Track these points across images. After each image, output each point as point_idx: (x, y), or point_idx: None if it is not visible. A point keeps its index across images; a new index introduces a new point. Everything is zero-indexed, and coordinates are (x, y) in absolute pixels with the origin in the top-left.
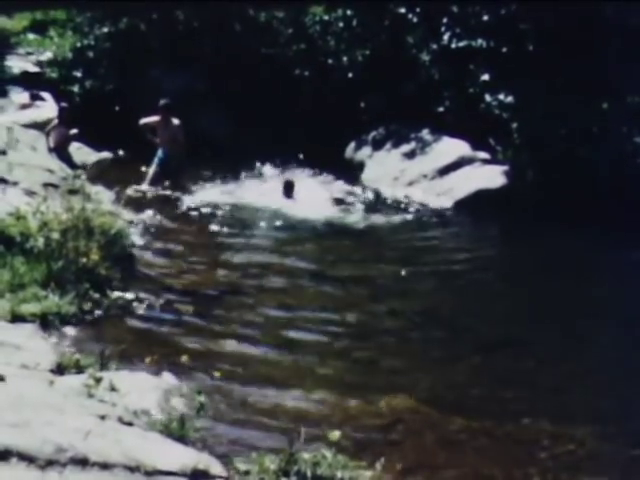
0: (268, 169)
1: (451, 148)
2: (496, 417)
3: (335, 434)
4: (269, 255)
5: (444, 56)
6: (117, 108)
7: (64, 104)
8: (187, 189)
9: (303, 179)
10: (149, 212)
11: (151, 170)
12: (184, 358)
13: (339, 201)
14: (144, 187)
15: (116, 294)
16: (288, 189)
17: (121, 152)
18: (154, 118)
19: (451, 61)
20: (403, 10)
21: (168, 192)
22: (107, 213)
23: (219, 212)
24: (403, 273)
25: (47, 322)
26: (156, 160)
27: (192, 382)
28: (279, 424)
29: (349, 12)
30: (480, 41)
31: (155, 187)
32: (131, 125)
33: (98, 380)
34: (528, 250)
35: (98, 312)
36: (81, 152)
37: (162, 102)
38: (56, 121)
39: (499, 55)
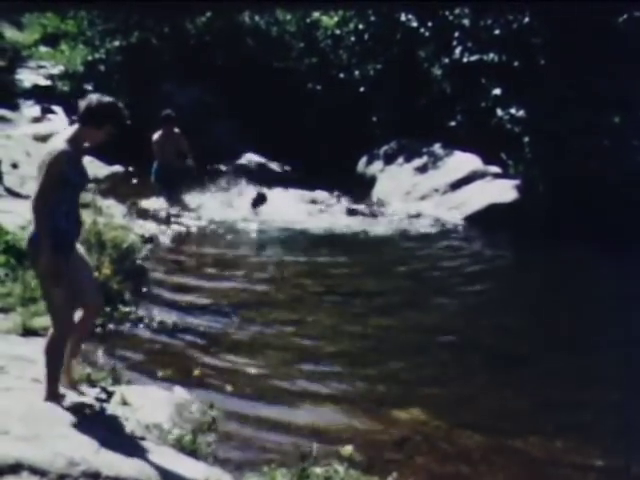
0: (276, 182)
1: (463, 162)
2: (509, 432)
3: (347, 449)
4: (279, 269)
5: (456, 70)
6: (129, 122)
7: (76, 118)
8: (196, 202)
9: (314, 193)
10: (160, 226)
11: (154, 184)
12: (196, 372)
13: (351, 215)
14: (155, 202)
15: (127, 308)
16: (258, 201)
17: (132, 166)
18: (155, 136)
19: (463, 75)
20: (415, 24)
21: (175, 205)
22: (119, 227)
23: (228, 226)
24: (414, 287)
25: None
26: (153, 175)
27: (204, 396)
28: (291, 438)
29: (361, 26)
30: (492, 55)
31: (163, 201)
32: (143, 139)
33: (110, 394)
34: (539, 264)
35: (110, 326)
36: (93, 166)
37: (164, 113)
38: None
39: (511, 69)
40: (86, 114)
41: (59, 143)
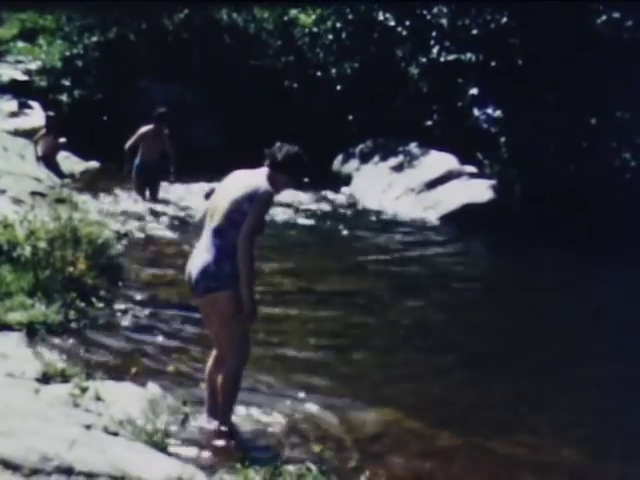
0: None
1: (439, 162)
2: (482, 431)
3: (320, 447)
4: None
5: (433, 70)
6: (105, 117)
7: (51, 113)
8: (172, 198)
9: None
10: (135, 222)
11: (134, 181)
12: (170, 369)
13: (325, 213)
14: (134, 197)
15: (102, 304)
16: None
17: (109, 161)
18: (143, 130)
19: (440, 75)
20: (392, 23)
21: (152, 201)
22: (94, 223)
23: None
24: (388, 286)
25: (33, 331)
26: (134, 169)
27: (177, 393)
28: (264, 436)
29: (338, 24)
30: (469, 55)
31: (140, 196)
32: (120, 135)
33: (84, 390)
34: (515, 264)
35: (84, 322)
36: (69, 161)
37: (159, 110)
38: (44, 130)
39: (488, 69)
40: (283, 162)
41: (264, 184)
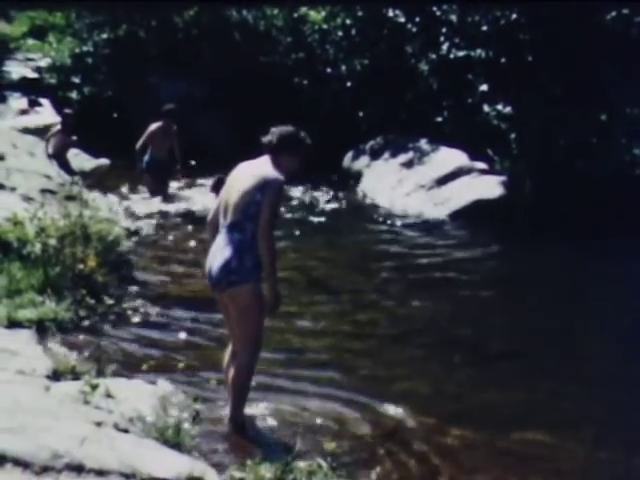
0: None
1: (449, 158)
2: (493, 428)
3: (331, 444)
4: None
5: (443, 66)
6: (115, 115)
7: (68, 110)
8: (181, 195)
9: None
10: (145, 219)
11: (144, 178)
12: (181, 365)
13: (335, 210)
14: (144, 194)
15: (112, 301)
16: (217, 185)
17: (119, 159)
18: (152, 127)
19: (450, 71)
20: (402, 20)
21: (162, 198)
22: (104, 220)
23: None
24: (398, 282)
25: (43, 328)
26: (144, 166)
27: (188, 389)
28: (275, 433)
29: (348, 21)
30: (479, 51)
31: (150, 193)
32: (129, 132)
33: (94, 387)
34: (525, 261)
35: (94, 319)
36: (79, 158)
37: (167, 107)
38: (59, 127)
39: (498, 65)
40: (280, 142)
41: (272, 172)
